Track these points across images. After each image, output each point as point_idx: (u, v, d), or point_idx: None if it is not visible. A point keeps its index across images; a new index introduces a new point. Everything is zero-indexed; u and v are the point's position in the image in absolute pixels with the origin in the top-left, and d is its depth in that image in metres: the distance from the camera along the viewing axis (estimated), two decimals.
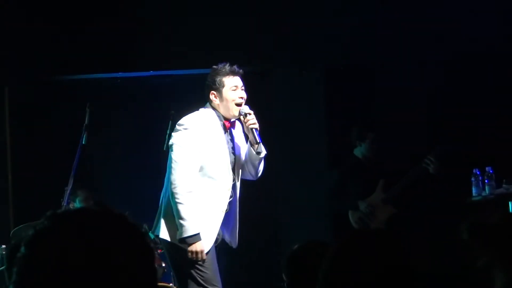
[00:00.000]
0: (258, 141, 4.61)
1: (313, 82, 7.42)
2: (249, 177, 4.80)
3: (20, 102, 7.35)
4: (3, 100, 7.36)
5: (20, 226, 6.00)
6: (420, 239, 6.35)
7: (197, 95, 4.80)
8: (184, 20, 7.14)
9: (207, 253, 4.52)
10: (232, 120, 4.70)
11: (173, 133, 4.65)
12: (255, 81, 6.36)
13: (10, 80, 7.33)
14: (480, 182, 6.27)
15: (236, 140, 4.74)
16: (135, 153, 7.35)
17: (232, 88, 4.64)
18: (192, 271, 4.53)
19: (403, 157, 6.57)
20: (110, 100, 7.39)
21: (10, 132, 7.38)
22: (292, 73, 7.46)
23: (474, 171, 6.30)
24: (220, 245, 4.75)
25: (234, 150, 4.71)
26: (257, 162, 4.69)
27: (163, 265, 5.96)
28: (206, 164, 4.57)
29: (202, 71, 4.83)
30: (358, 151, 6.56)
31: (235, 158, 4.71)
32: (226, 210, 4.65)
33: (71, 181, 5.27)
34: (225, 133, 4.67)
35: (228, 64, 4.67)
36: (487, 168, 6.27)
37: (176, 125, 4.65)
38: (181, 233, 4.44)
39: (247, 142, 4.73)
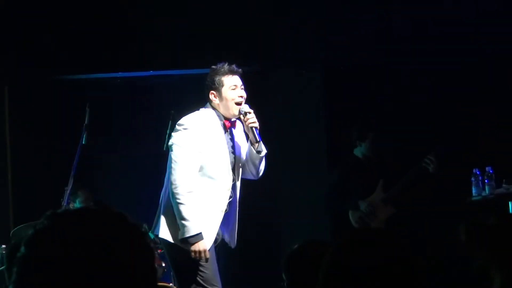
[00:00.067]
0: (258, 139, 4.61)
1: (313, 82, 7.42)
2: (250, 176, 4.80)
3: (20, 102, 7.36)
4: (3, 100, 7.36)
5: (20, 226, 6.00)
6: (420, 239, 6.34)
7: (197, 95, 4.81)
8: (184, 20, 7.14)
9: None
10: (232, 119, 4.70)
11: (173, 133, 4.65)
12: (255, 81, 6.36)
13: (10, 80, 7.33)
14: (480, 182, 6.27)
15: (236, 139, 4.74)
16: (135, 153, 7.35)
17: (232, 87, 4.64)
18: (192, 271, 4.53)
19: (403, 157, 6.57)
20: (110, 100, 7.39)
21: (10, 132, 7.39)
22: (292, 73, 7.46)
23: (474, 171, 6.30)
24: (219, 245, 4.75)
25: (234, 150, 4.71)
26: (257, 161, 4.69)
27: (163, 265, 5.96)
28: (206, 164, 4.56)
29: (202, 71, 4.84)
30: (358, 151, 6.56)
31: (235, 158, 4.71)
32: (226, 210, 4.65)
33: (71, 181, 5.28)
34: (225, 133, 4.67)
35: (227, 64, 4.67)
36: (487, 168, 6.27)
37: (176, 125, 4.65)
38: (183, 233, 4.44)
39: (247, 142, 4.73)
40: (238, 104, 4.63)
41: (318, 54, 7.31)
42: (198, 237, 4.45)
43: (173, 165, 4.51)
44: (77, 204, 6.57)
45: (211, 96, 4.66)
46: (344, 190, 6.46)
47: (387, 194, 6.39)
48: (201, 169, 4.55)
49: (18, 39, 7.09)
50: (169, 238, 4.57)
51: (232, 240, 4.77)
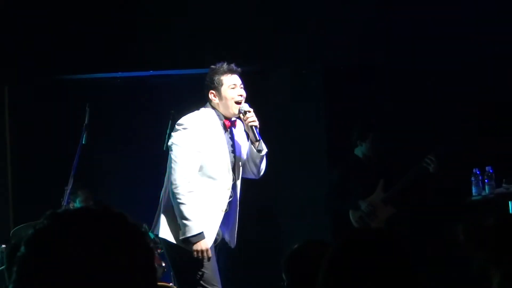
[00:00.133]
0: (258, 138, 4.62)
1: (313, 81, 7.42)
2: (251, 176, 4.80)
3: (20, 102, 7.36)
4: (3, 100, 7.36)
5: (20, 225, 6.00)
6: (420, 239, 6.35)
7: (197, 95, 4.81)
8: (184, 20, 7.14)
9: None
10: (232, 119, 4.70)
11: (172, 133, 4.65)
12: (255, 81, 6.36)
13: (10, 80, 7.33)
14: (480, 181, 6.28)
15: (236, 139, 4.74)
16: (135, 153, 7.35)
17: (231, 86, 4.64)
18: (192, 271, 4.53)
19: (403, 157, 6.57)
20: (110, 100, 7.39)
21: (10, 132, 7.39)
22: (292, 73, 7.46)
23: (474, 170, 6.30)
24: (219, 245, 4.75)
25: (234, 149, 4.71)
26: (258, 161, 4.69)
27: (163, 264, 5.96)
28: (206, 164, 4.56)
29: (202, 70, 4.84)
30: (358, 151, 6.56)
31: (235, 158, 4.70)
32: (226, 210, 4.65)
33: (71, 181, 5.28)
34: (225, 132, 4.67)
35: (226, 63, 4.68)
36: (487, 168, 6.27)
37: (176, 125, 4.65)
38: (185, 232, 4.44)
39: (248, 141, 4.73)
40: (238, 103, 4.63)
41: (318, 54, 7.31)
42: (200, 236, 4.45)
43: (173, 165, 4.51)
44: (77, 204, 6.57)
45: (211, 96, 4.66)
46: (344, 190, 6.46)
47: (387, 194, 6.40)
48: (201, 168, 4.55)
49: (18, 39, 7.09)
50: (169, 238, 4.57)
51: (232, 239, 4.77)
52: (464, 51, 6.92)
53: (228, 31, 7.05)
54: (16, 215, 7.17)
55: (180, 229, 4.47)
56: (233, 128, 4.72)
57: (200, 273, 4.53)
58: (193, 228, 4.43)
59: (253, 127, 4.61)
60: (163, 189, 4.67)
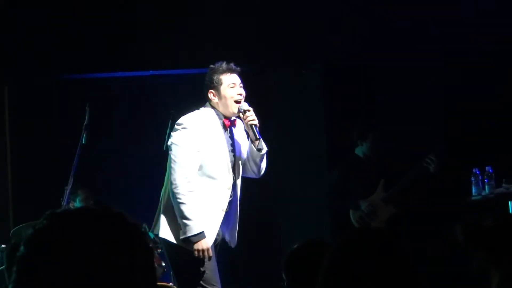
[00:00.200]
0: (258, 137, 4.62)
1: (313, 81, 7.42)
2: (252, 175, 4.80)
3: (20, 102, 7.36)
4: (3, 100, 7.36)
5: (20, 225, 6.00)
6: (420, 239, 6.35)
7: (197, 95, 4.81)
8: (184, 20, 7.14)
9: None
10: (232, 118, 4.70)
11: (172, 133, 4.65)
12: (255, 81, 6.36)
13: (10, 80, 7.33)
14: (480, 181, 6.28)
15: (236, 138, 4.74)
16: (135, 153, 7.35)
17: (230, 86, 4.64)
18: (191, 271, 4.53)
19: (403, 156, 6.57)
20: (110, 100, 7.39)
21: (10, 132, 7.39)
22: (292, 72, 7.46)
23: (474, 170, 6.31)
24: (220, 245, 4.75)
25: (234, 148, 4.70)
26: (258, 160, 4.69)
27: (163, 264, 5.96)
28: (206, 163, 4.56)
29: (202, 70, 4.83)
30: (359, 150, 6.56)
31: (235, 157, 4.70)
32: (226, 209, 4.65)
33: (71, 181, 5.28)
34: (224, 131, 4.67)
35: (225, 62, 4.68)
36: (487, 168, 6.27)
37: (175, 125, 4.65)
38: (185, 232, 4.44)
39: (248, 140, 4.73)
40: (237, 102, 4.63)
41: (318, 54, 7.31)
42: (200, 236, 4.45)
43: (172, 165, 4.51)
44: (77, 203, 6.57)
45: (210, 95, 4.66)
46: (345, 190, 6.46)
47: (387, 194, 6.40)
48: (200, 168, 4.55)
49: (18, 39, 7.09)
50: (169, 238, 4.57)
51: (232, 239, 4.77)
52: (464, 51, 6.92)
53: (228, 31, 7.05)
54: (16, 215, 7.17)
55: (181, 229, 4.46)
56: (233, 128, 4.72)
57: (200, 273, 4.53)
58: (193, 227, 4.43)
59: (253, 126, 4.61)
60: (163, 189, 4.67)
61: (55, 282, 1.36)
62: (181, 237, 4.47)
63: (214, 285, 4.57)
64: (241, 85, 4.68)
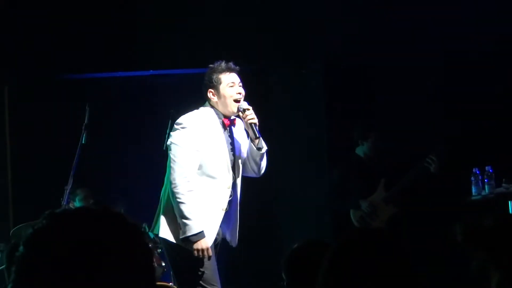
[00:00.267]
0: (258, 135, 4.61)
1: (313, 81, 7.42)
2: (252, 174, 4.80)
3: (20, 102, 7.36)
4: (3, 100, 7.36)
5: (20, 225, 6.01)
6: (420, 239, 6.34)
7: (197, 95, 4.81)
8: (184, 19, 7.14)
9: None
10: (231, 117, 4.70)
11: (171, 133, 4.65)
12: (255, 81, 6.36)
13: (10, 80, 7.34)
14: (479, 181, 6.28)
15: (236, 138, 4.74)
16: (134, 153, 7.35)
17: (230, 85, 4.64)
18: (191, 271, 4.53)
19: (404, 156, 6.57)
20: (110, 100, 7.39)
21: (10, 132, 7.39)
22: (292, 72, 7.46)
23: (474, 170, 6.31)
24: (220, 244, 4.75)
25: (233, 148, 4.70)
26: (258, 158, 4.69)
27: (163, 264, 5.96)
28: (205, 163, 4.56)
29: (202, 70, 4.83)
30: (360, 150, 6.56)
31: (234, 156, 4.70)
32: (226, 209, 4.65)
33: (71, 181, 5.28)
34: (224, 131, 4.67)
35: (224, 62, 4.68)
36: (486, 168, 6.27)
37: (174, 124, 4.65)
38: (185, 231, 4.44)
39: (248, 139, 4.72)
40: (237, 101, 4.63)
41: (318, 54, 7.31)
42: (200, 235, 4.45)
43: (172, 165, 4.51)
44: (76, 203, 6.58)
45: (210, 95, 4.66)
46: (345, 190, 6.46)
47: (388, 194, 6.40)
48: (200, 167, 4.55)
49: (18, 39, 7.09)
50: (169, 238, 4.57)
51: (233, 239, 4.76)
52: (464, 51, 6.92)
53: (228, 31, 7.05)
54: (16, 215, 7.17)
55: (180, 229, 4.46)
56: (232, 127, 4.72)
57: (199, 272, 4.53)
58: (193, 227, 4.43)
59: (253, 125, 4.61)
60: (163, 188, 4.67)
61: (54, 282, 1.35)
62: (180, 237, 4.46)
63: (214, 285, 4.57)
64: (240, 84, 4.68)
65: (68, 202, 5.51)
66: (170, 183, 4.49)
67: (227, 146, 4.66)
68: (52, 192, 6.13)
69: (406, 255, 1.85)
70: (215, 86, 4.64)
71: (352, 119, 6.85)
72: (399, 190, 6.39)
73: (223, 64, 4.67)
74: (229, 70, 4.67)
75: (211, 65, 4.71)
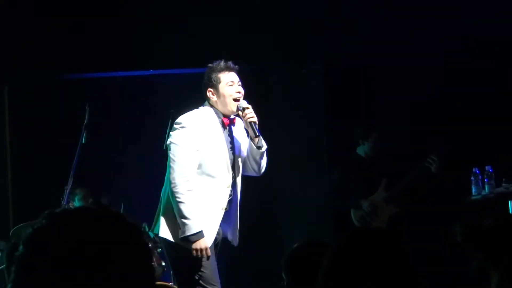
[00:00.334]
0: (258, 134, 4.61)
1: (313, 81, 7.42)
2: (252, 173, 4.79)
3: (20, 102, 7.36)
4: (3, 100, 7.36)
5: (20, 225, 6.00)
6: (420, 239, 6.35)
7: (197, 94, 4.81)
8: (184, 19, 7.14)
9: None
10: (231, 117, 4.70)
11: (171, 132, 4.65)
12: (255, 81, 6.36)
13: (10, 80, 7.33)
14: (479, 181, 6.28)
15: (236, 137, 4.74)
16: (135, 152, 7.35)
17: (229, 84, 4.64)
18: (191, 270, 4.53)
19: (405, 156, 6.57)
20: (110, 99, 7.39)
21: (10, 132, 7.39)
22: (292, 72, 7.46)
23: (474, 170, 6.31)
24: (220, 244, 4.75)
25: (233, 147, 4.70)
26: (258, 157, 4.69)
27: (163, 264, 5.96)
28: (205, 162, 4.56)
29: (202, 70, 4.83)
30: (361, 150, 6.56)
31: (234, 155, 4.70)
32: (226, 208, 4.65)
33: (70, 180, 5.28)
34: (223, 130, 4.67)
35: (223, 61, 4.68)
36: (486, 167, 6.28)
37: (174, 124, 4.65)
38: (184, 231, 4.44)
39: (248, 138, 4.72)
40: (236, 100, 4.63)
41: (318, 53, 7.31)
42: (199, 235, 4.45)
43: (171, 164, 4.51)
44: (76, 203, 6.57)
45: (209, 94, 4.67)
46: (346, 189, 6.47)
47: (389, 193, 6.40)
48: (199, 167, 4.55)
49: (18, 39, 7.09)
50: (169, 237, 4.57)
51: (234, 238, 4.76)
52: (464, 51, 6.91)
53: (228, 31, 7.05)
54: (16, 215, 7.17)
55: (180, 228, 4.47)
56: (232, 126, 4.72)
57: (199, 272, 4.53)
58: (192, 227, 4.43)
59: (252, 123, 4.61)
60: (163, 188, 4.67)
61: (53, 281, 1.35)
62: (179, 236, 4.47)
63: (213, 285, 4.57)
64: (240, 83, 4.68)
65: (68, 202, 5.52)
66: (170, 182, 4.49)
67: (227, 145, 4.66)
68: (52, 192, 6.13)
69: (406, 255, 1.85)
70: (214, 85, 4.64)
71: (352, 119, 6.85)
72: (400, 190, 6.39)
73: (222, 63, 4.67)
74: (228, 69, 4.67)
75: (210, 65, 4.72)
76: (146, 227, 5.44)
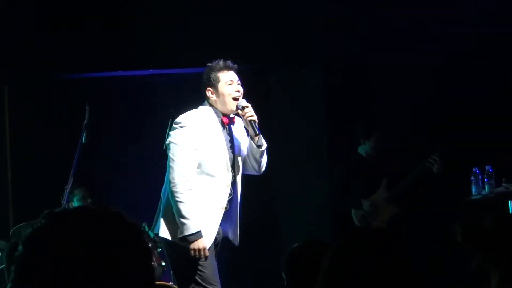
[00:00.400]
0: (258, 132, 4.61)
1: (313, 81, 7.42)
2: (252, 171, 4.79)
3: (20, 102, 7.36)
4: (3, 100, 7.36)
5: (20, 224, 6.01)
6: (420, 239, 6.35)
7: (197, 94, 4.81)
8: (184, 19, 7.14)
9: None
10: (230, 116, 4.70)
11: (170, 132, 4.65)
12: (255, 80, 6.36)
13: (10, 80, 7.34)
14: (479, 181, 6.28)
15: (235, 136, 4.73)
16: (134, 152, 7.35)
17: (228, 83, 4.64)
18: (191, 270, 4.53)
19: (405, 156, 6.57)
20: (110, 99, 7.39)
21: (10, 132, 7.39)
22: (292, 72, 7.46)
23: (474, 170, 6.31)
24: (220, 244, 4.74)
25: (233, 146, 4.70)
26: (258, 156, 4.68)
27: (163, 263, 5.96)
28: (204, 162, 4.56)
29: (202, 70, 4.83)
30: (362, 149, 6.56)
31: (233, 154, 4.70)
32: (226, 207, 4.64)
33: (70, 180, 5.28)
34: (223, 129, 4.66)
35: (222, 60, 4.68)
36: (486, 167, 6.27)
37: (173, 124, 4.65)
38: (182, 231, 4.44)
39: (248, 137, 4.72)
40: (235, 99, 4.63)
41: (318, 53, 7.31)
42: (197, 235, 4.45)
43: (171, 164, 4.52)
44: (74, 203, 6.57)
45: (208, 93, 4.67)
46: (347, 189, 6.47)
47: (390, 193, 6.40)
48: (199, 166, 4.55)
49: (18, 39, 7.09)
50: (169, 237, 4.57)
51: (235, 237, 4.76)
52: (464, 51, 6.91)
53: (228, 31, 7.05)
54: (16, 215, 7.17)
55: (178, 228, 4.47)
56: (231, 125, 4.72)
57: (199, 272, 4.53)
58: (190, 227, 4.43)
59: (252, 122, 4.60)
60: (163, 188, 4.67)
61: (53, 281, 1.35)
62: (178, 236, 4.47)
63: (213, 285, 4.57)
64: (239, 82, 4.68)
65: (68, 202, 5.52)
66: (169, 182, 4.49)
67: (226, 145, 4.66)
68: (52, 192, 6.14)
69: (406, 255, 1.85)
70: (214, 84, 4.64)
71: (352, 119, 6.85)
72: (401, 190, 6.38)
73: (221, 63, 4.67)
74: (227, 68, 4.67)
75: (209, 64, 4.72)
76: (146, 227, 5.44)
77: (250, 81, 4.95)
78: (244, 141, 4.75)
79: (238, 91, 4.65)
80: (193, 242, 4.44)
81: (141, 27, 7.15)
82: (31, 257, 1.38)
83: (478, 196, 6.25)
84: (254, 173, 4.80)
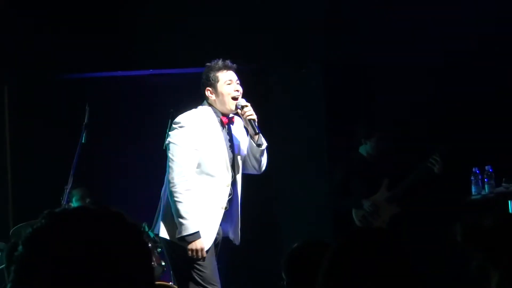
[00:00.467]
0: (257, 131, 4.61)
1: (313, 81, 7.42)
2: (253, 171, 4.79)
3: (20, 102, 7.36)
4: (3, 100, 7.36)
5: (20, 225, 6.01)
6: (420, 239, 6.34)
7: (197, 94, 4.81)
8: (184, 19, 7.14)
9: (206, 252, 4.52)
10: (230, 115, 4.70)
11: (170, 132, 4.65)
12: (255, 80, 6.36)
13: (10, 80, 7.34)
14: (479, 180, 6.28)
15: (235, 135, 4.73)
16: (135, 152, 7.35)
17: (227, 82, 4.64)
18: (191, 270, 4.53)
19: (406, 156, 6.57)
20: (110, 99, 7.39)
21: (10, 132, 7.39)
22: (292, 72, 7.46)
23: (473, 170, 6.31)
24: (220, 244, 4.74)
25: (232, 145, 4.70)
26: (258, 155, 4.68)
27: (163, 264, 5.96)
28: (204, 161, 4.56)
29: (201, 70, 4.83)
30: (363, 149, 6.56)
31: (233, 154, 4.70)
32: (226, 207, 4.64)
33: (70, 180, 5.29)
34: (222, 129, 4.66)
35: (221, 60, 4.68)
36: (486, 167, 6.27)
37: (173, 124, 4.65)
38: (181, 231, 4.44)
39: (248, 136, 4.72)
40: (235, 98, 4.63)
41: (318, 53, 7.31)
42: (196, 235, 4.45)
43: (170, 164, 4.52)
44: (73, 203, 6.57)
45: (207, 93, 4.67)
46: (348, 189, 6.47)
47: (391, 193, 6.40)
48: (199, 166, 4.55)
49: (18, 39, 7.09)
50: (169, 237, 4.57)
51: (236, 237, 4.76)
52: (464, 51, 6.91)
53: (228, 31, 7.05)
54: (16, 215, 7.16)
55: (177, 228, 4.47)
56: (231, 125, 4.72)
57: (199, 272, 4.53)
58: (189, 227, 4.43)
59: (252, 121, 4.60)
60: (163, 188, 4.67)
61: (53, 281, 1.35)
62: (176, 236, 4.47)
63: (213, 285, 4.57)
64: (238, 81, 4.68)
65: (68, 202, 5.52)
66: (168, 182, 4.49)
67: (226, 144, 4.66)
68: (52, 192, 6.14)
69: (406, 255, 1.85)
70: (213, 84, 4.64)
71: (352, 119, 6.85)
72: (402, 190, 6.38)
73: (220, 62, 4.67)
74: (226, 68, 4.67)
75: (208, 64, 4.72)
76: (146, 227, 5.44)
77: (250, 81, 4.95)
78: (243, 141, 4.75)
79: (237, 90, 4.65)
80: (191, 242, 4.44)
81: (141, 27, 7.15)
82: (31, 257, 1.38)
83: (478, 196, 6.25)
84: (255, 172, 4.80)
